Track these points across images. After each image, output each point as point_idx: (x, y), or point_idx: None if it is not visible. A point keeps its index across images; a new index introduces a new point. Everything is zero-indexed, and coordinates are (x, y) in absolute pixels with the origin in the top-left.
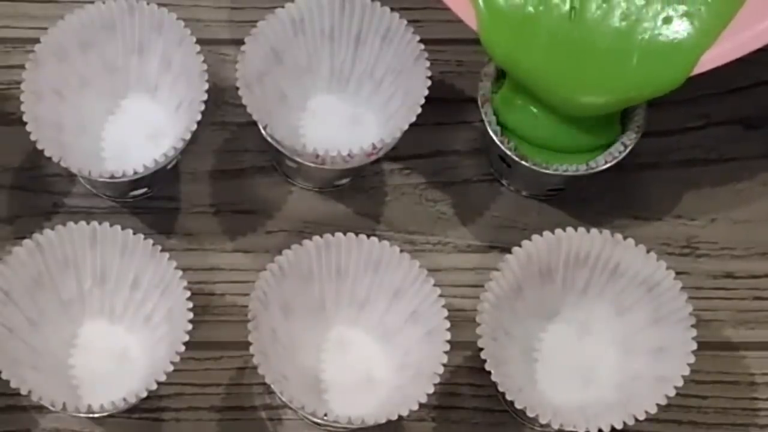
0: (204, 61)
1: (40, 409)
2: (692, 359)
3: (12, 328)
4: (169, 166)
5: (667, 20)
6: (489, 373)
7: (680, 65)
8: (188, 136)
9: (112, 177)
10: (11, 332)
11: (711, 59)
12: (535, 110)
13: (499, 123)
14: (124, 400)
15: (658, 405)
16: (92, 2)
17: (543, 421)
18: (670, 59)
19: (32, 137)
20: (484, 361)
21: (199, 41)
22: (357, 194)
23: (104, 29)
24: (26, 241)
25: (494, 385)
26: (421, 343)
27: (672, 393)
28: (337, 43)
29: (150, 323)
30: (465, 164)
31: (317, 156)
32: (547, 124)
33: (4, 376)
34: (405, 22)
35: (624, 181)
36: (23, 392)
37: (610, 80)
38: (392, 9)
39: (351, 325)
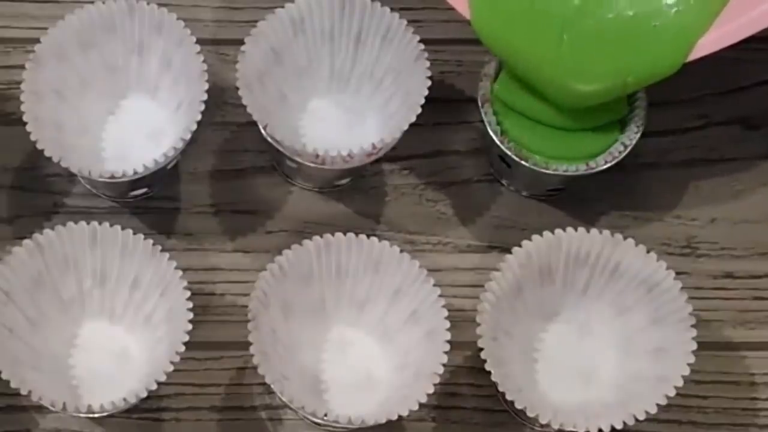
0: (204, 61)
1: (40, 409)
2: (692, 359)
3: (12, 328)
4: (169, 166)
5: (663, 4)
6: (489, 373)
7: (676, 50)
8: (188, 136)
9: (112, 177)
10: (11, 332)
11: (707, 44)
12: (529, 117)
13: (498, 123)
14: (124, 400)
15: (658, 405)
16: (92, 2)
17: (543, 421)
18: (666, 44)
19: (32, 137)
20: (484, 361)
21: (199, 41)
22: (357, 194)
23: (104, 29)
24: (26, 241)
25: (494, 385)
26: (421, 343)
27: (672, 393)
28: (337, 43)
29: (150, 323)
30: (465, 164)
31: (317, 156)
32: (542, 132)
33: (4, 376)
34: (405, 22)
35: (624, 181)
36: (23, 392)
37: (605, 66)
38: (392, 9)
39: (351, 325)
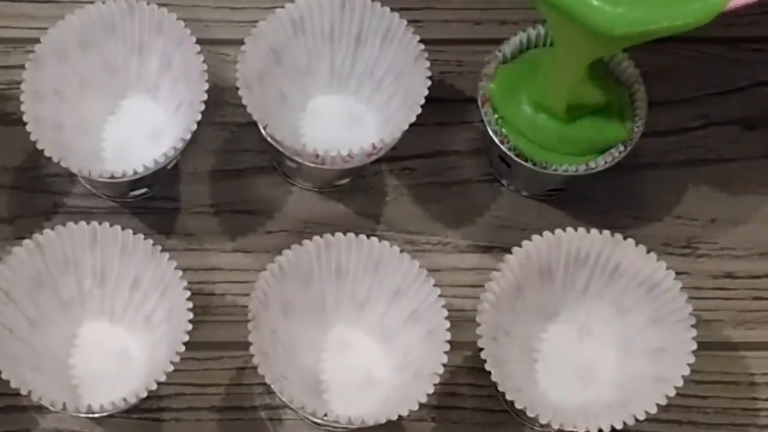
0: (204, 61)
1: (40, 409)
2: (692, 359)
3: (12, 328)
4: (169, 166)
5: None
6: (489, 373)
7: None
8: (188, 136)
9: (112, 177)
10: (11, 332)
11: None
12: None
13: (498, 123)
14: (124, 400)
15: (658, 405)
16: (92, 2)
17: (543, 421)
18: None
19: (32, 137)
20: (484, 361)
21: (199, 41)
22: (357, 194)
23: (104, 29)
24: (26, 241)
25: (494, 385)
26: (421, 343)
27: (672, 393)
28: (337, 43)
29: (150, 323)
30: (465, 164)
31: (317, 156)
32: (544, 127)
33: (4, 376)
34: (405, 22)
35: (624, 181)
36: (23, 392)
37: (643, 12)
38: (392, 9)
39: (351, 325)
